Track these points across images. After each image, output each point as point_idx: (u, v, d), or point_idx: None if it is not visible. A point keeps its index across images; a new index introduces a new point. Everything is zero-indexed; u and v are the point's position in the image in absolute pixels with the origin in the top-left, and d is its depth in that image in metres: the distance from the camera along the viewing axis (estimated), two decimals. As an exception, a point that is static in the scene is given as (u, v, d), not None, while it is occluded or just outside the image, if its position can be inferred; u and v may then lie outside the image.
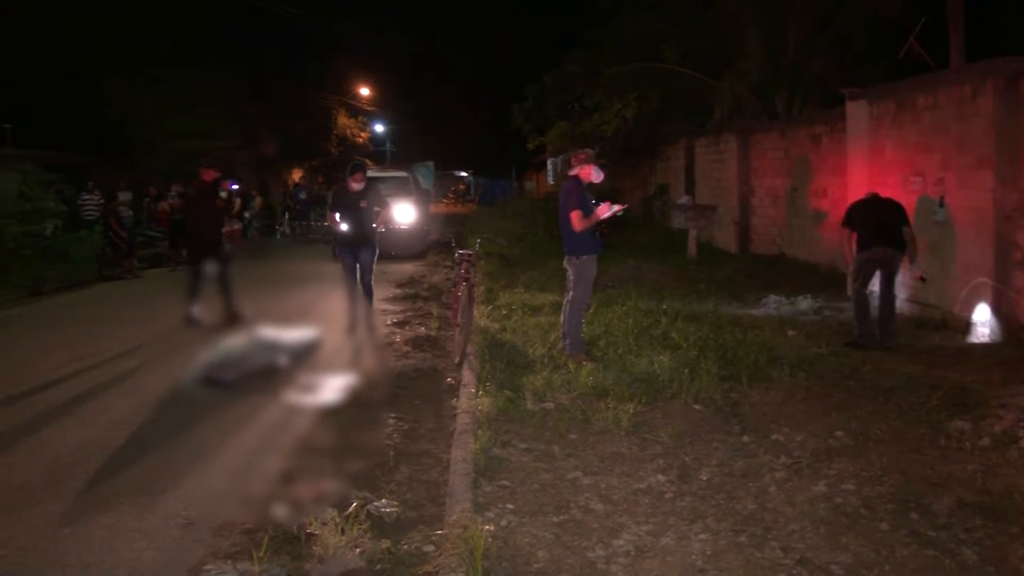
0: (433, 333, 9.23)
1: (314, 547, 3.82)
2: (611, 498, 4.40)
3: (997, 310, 8.01)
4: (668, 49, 20.04)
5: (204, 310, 9.69)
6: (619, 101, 22.12)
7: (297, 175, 36.16)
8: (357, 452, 5.37)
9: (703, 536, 3.92)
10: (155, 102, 23.20)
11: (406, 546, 3.88)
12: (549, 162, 42.44)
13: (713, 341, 7.74)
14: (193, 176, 10.71)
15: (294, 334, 8.44)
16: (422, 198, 19.81)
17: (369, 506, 4.29)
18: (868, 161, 10.49)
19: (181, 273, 14.79)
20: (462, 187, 58.23)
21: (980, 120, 8.26)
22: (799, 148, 14.08)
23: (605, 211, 7.33)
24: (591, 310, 8.99)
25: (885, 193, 8.52)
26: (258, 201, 25.73)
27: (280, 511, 4.30)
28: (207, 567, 3.72)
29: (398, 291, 12.56)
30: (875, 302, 8.02)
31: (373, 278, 9.67)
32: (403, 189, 18.54)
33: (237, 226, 10.16)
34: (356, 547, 3.79)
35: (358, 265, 9.44)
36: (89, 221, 17.88)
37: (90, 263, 15.42)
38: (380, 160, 44.22)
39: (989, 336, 8.03)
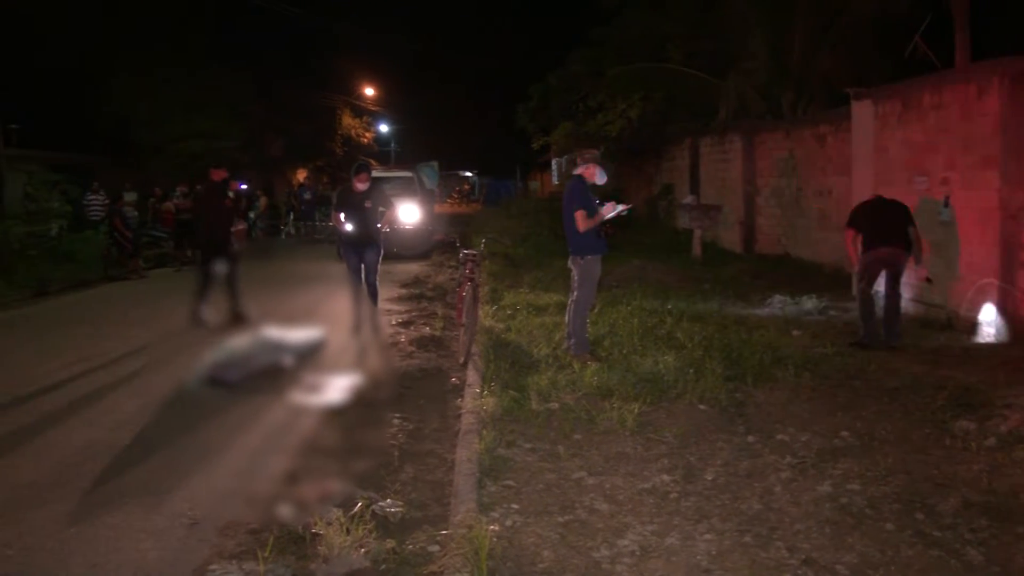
0: (438, 333, 9.23)
1: (319, 547, 3.82)
2: (616, 498, 4.40)
3: (1003, 310, 7.99)
4: (672, 49, 20.04)
5: (210, 310, 9.71)
6: (623, 101, 22.11)
7: (302, 175, 36.20)
8: (362, 452, 5.37)
9: (708, 536, 3.91)
10: (160, 102, 23.28)
11: (411, 546, 3.88)
12: (554, 162, 42.40)
13: (718, 341, 7.74)
14: (202, 176, 10.76)
15: (299, 334, 8.46)
16: (427, 198, 19.83)
17: (374, 506, 4.30)
18: (873, 161, 10.46)
19: (186, 273, 14.87)
20: (466, 187, 58.34)
21: (986, 119, 8.23)
22: (804, 148, 14.05)
23: (610, 211, 7.33)
24: (596, 310, 8.99)
25: (890, 193, 8.50)
26: (263, 201, 25.79)
27: (285, 511, 4.31)
28: (212, 567, 3.73)
29: (403, 291, 12.57)
30: (880, 302, 8.00)
31: (378, 278, 9.68)
32: (408, 189, 18.56)
33: (242, 226, 10.17)
34: (361, 547, 3.79)
35: (363, 265, 9.45)
36: (94, 221, 17.94)
37: (95, 263, 15.48)
38: (385, 160, 44.25)
39: (995, 336, 8.01)
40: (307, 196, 26.02)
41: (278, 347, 7.91)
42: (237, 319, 9.64)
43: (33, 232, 15.88)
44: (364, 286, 9.49)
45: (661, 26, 20.56)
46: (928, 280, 8.32)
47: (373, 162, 25.33)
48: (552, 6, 56.97)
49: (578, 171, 7.50)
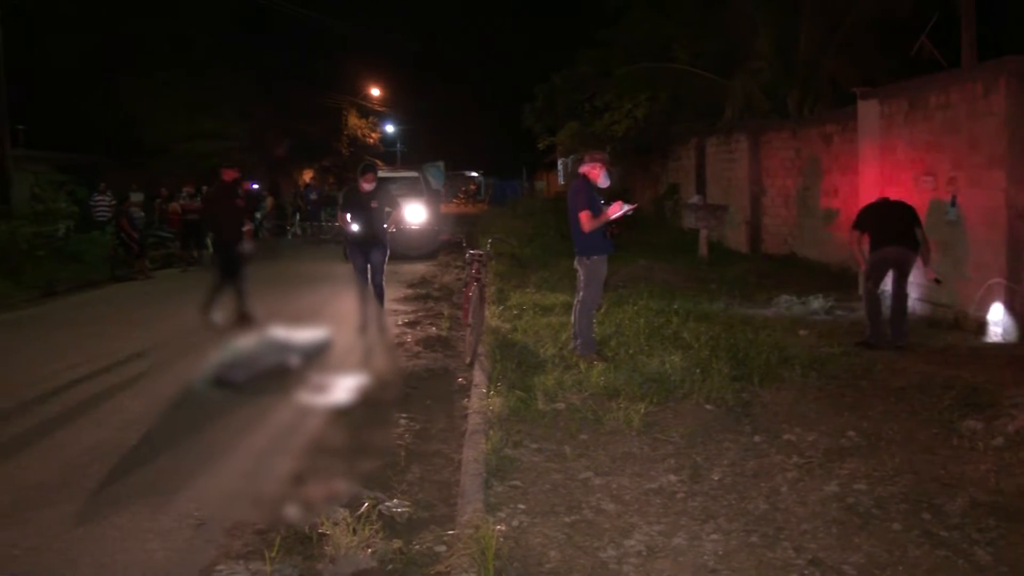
0: (444, 333, 9.24)
1: (326, 547, 3.83)
2: (623, 498, 4.40)
3: (1011, 310, 7.96)
4: (678, 49, 20.01)
5: (218, 311, 9.73)
6: (630, 101, 22.11)
7: (308, 176, 36.31)
8: (368, 452, 5.37)
9: (715, 536, 3.91)
10: (166, 103, 23.34)
11: (418, 546, 3.89)
12: (560, 162, 42.45)
13: (724, 341, 7.72)
14: (209, 176, 10.80)
15: (305, 334, 8.46)
16: (433, 198, 19.84)
17: (381, 506, 4.30)
18: (879, 160, 10.43)
19: (193, 274, 14.92)
20: (473, 187, 58.40)
21: (992, 119, 8.20)
22: (810, 147, 14.02)
23: (616, 210, 7.32)
24: (602, 310, 8.98)
25: (896, 193, 8.49)
26: (269, 202, 25.82)
27: (292, 511, 4.31)
28: (219, 567, 3.73)
29: (409, 291, 12.58)
30: (887, 301, 7.98)
31: (384, 278, 9.69)
32: (414, 189, 18.58)
33: (248, 226, 10.19)
34: (368, 547, 3.80)
35: (369, 265, 9.45)
36: (101, 222, 18.00)
37: (102, 264, 15.54)
38: (391, 160, 44.35)
39: (1002, 336, 7.98)
40: (313, 196, 26.05)
41: (284, 347, 7.91)
42: (244, 319, 9.66)
43: (40, 232, 15.93)
44: (370, 286, 9.49)
45: (667, 26, 20.54)
46: (937, 281, 8.29)
47: (379, 162, 25.33)
48: (558, 6, 57.00)
49: (583, 169, 7.49)
